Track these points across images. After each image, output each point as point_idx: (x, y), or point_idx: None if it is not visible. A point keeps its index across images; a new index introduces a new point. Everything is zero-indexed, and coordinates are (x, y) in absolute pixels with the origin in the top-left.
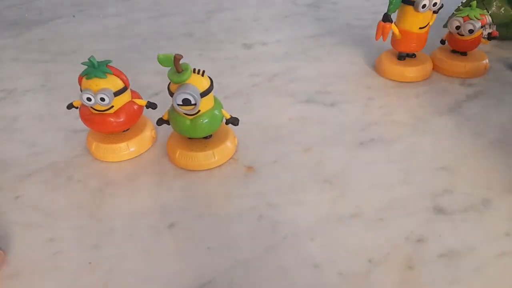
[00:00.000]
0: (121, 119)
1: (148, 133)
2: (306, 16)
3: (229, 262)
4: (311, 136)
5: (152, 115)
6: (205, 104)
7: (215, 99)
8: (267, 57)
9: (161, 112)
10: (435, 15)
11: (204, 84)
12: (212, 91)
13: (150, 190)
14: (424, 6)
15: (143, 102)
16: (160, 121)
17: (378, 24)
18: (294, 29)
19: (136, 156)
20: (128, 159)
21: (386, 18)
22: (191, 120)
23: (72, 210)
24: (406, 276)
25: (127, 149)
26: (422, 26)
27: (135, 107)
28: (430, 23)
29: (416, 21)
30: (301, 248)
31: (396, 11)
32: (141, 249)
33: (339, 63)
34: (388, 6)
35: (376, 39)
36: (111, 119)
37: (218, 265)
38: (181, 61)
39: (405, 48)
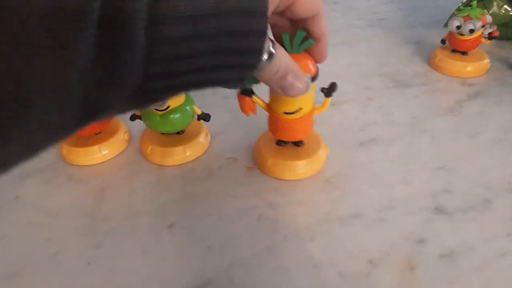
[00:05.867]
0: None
1: (121, 136)
2: None
3: (229, 262)
4: None
5: (125, 115)
6: (174, 100)
7: (187, 96)
8: None
9: None
10: (329, 99)
11: None
12: None
13: (150, 190)
14: None
15: None
16: (133, 117)
17: (237, 95)
18: None
19: (110, 159)
20: (128, 159)
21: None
22: (161, 115)
23: (72, 210)
24: (406, 276)
25: (99, 151)
26: (288, 112)
27: None
28: (316, 111)
29: (279, 102)
30: (301, 248)
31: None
32: (141, 249)
33: (339, 63)
34: None
35: (246, 115)
36: None
37: (218, 265)
38: None
39: (274, 134)
